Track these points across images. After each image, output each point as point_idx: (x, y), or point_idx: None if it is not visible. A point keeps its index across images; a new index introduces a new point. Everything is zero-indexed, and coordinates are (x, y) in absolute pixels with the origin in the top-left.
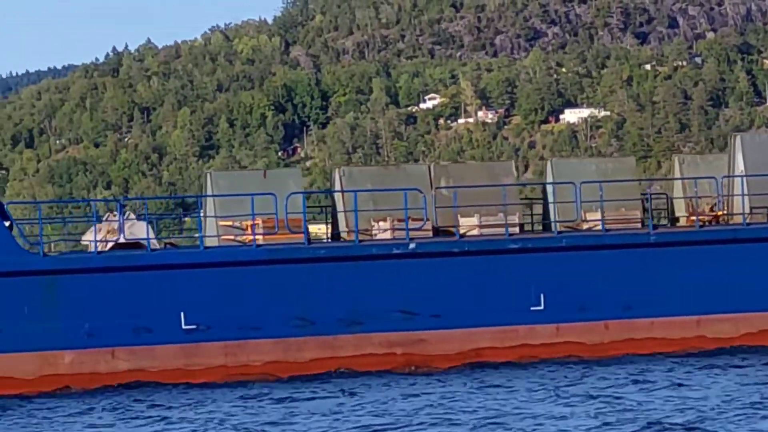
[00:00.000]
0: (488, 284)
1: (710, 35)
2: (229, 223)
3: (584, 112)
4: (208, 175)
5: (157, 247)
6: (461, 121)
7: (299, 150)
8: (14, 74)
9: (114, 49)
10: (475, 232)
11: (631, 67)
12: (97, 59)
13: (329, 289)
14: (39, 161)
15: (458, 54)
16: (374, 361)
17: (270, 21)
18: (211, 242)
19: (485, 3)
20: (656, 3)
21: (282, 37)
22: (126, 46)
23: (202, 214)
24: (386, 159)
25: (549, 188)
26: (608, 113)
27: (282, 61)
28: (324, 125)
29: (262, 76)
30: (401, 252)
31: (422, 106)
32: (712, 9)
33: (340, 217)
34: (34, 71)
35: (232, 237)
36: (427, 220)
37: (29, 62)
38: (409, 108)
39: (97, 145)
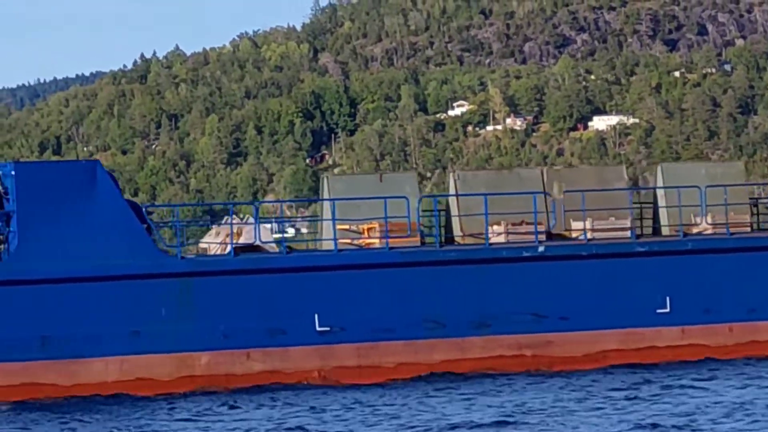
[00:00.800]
0: (615, 287)
1: (740, 42)
2: (346, 226)
3: (613, 120)
4: (325, 178)
5: (276, 250)
6: (489, 128)
7: (327, 157)
8: (42, 81)
9: (142, 55)
10: (588, 235)
11: (660, 74)
12: (125, 66)
13: (459, 291)
14: None
15: (487, 61)
16: (503, 363)
17: (298, 28)
18: (327, 245)
19: (514, 10)
20: (685, 10)
21: (310, 44)
22: (154, 53)
23: (322, 217)
24: (414, 166)
25: (659, 192)
26: (637, 120)
27: (310, 68)
28: (352, 132)
29: (291, 83)
30: (530, 255)
31: (451, 113)
32: (741, 16)
33: (454, 221)
34: (61, 78)
35: (348, 240)
36: (543, 223)
37: (57, 69)
38: (438, 115)
39: (124, 152)
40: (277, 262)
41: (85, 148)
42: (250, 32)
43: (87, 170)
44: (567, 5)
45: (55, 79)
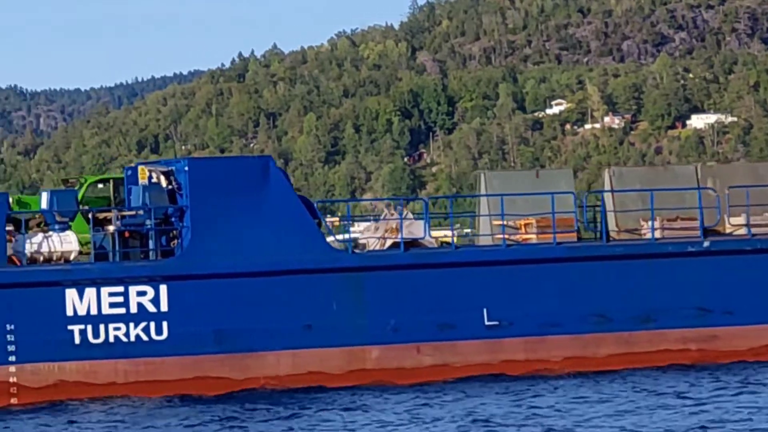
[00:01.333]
0: None
1: None
2: (501, 222)
3: (711, 118)
4: (482, 174)
5: (434, 245)
6: (587, 126)
7: (425, 156)
8: (140, 80)
9: (240, 54)
10: (742, 231)
11: (758, 73)
12: (223, 65)
13: (625, 285)
14: None
15: (585, 59)
16: (669, 357)
17: (396, 26)
18: (485, 240)
19: (612, 8)
20: None
21: (408, 43)
22: (252, 52)
23: (479, 213)
24: (512, 165)
25: None
26: (735, 119)
27: (408, 66)
28: (450, 131)
29: (388, 82)
30: (695, 250)
31: (548, 111)
32: None
33: (610, 216)
34: (159, 77)
35: (504, 236)
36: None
37: (155, 68)
38: (536, 113)
39: (222, 151)
40: (446, 257)
41: (183, 147)
42: (348, 31)
43: (260, 166)
44: (665, 3)
45: (153, 77)
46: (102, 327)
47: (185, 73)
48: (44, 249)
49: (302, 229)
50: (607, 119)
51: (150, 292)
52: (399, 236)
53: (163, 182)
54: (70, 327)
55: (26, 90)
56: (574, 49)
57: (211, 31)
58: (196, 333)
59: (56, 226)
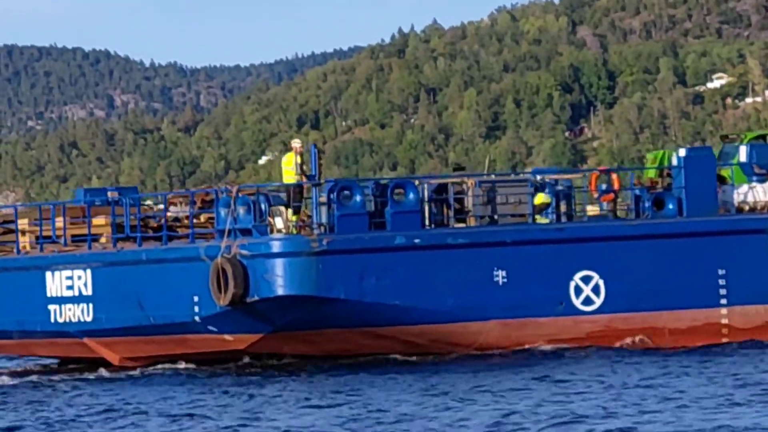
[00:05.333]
0: None
1: None
2: None
3: None
4: None
5: None
6: (749, 100)
7: (586, 130)
8: (300, 56)
9: (400, 30)
10: None
11: None
12: (382, 40)
13: None
14: (325, 143)
15: (746, 33)
16: None
17: (556, 1)
18: None
19: None
20: None
21: (568, 17)
22: (412, 27)
23: None
24: (673, 139)
25: None
26: None
27: (568, 41)
28: (611, 105)
29: (549, 57)
30: None
31: (709, 85)
32: None
33: None
34: (319, 53)
35: None
36: None
37: (315, 44)
38: (697, 87)
39: (383, 126)
40: None
41: (343, 123)
42: (508, 6)
43: None
44: None
45: (312, 53)
46: None
47: (345, 49)
48: (749, 199)
49: None
50: None
51: None
52: None
53: None
54: None
55: (186, 67)
56: (734, 22)
57: (371, 6)
58: None
59: (754, 178)
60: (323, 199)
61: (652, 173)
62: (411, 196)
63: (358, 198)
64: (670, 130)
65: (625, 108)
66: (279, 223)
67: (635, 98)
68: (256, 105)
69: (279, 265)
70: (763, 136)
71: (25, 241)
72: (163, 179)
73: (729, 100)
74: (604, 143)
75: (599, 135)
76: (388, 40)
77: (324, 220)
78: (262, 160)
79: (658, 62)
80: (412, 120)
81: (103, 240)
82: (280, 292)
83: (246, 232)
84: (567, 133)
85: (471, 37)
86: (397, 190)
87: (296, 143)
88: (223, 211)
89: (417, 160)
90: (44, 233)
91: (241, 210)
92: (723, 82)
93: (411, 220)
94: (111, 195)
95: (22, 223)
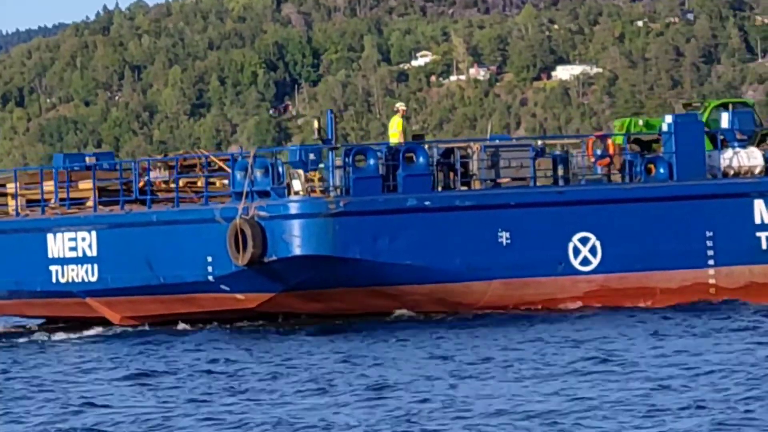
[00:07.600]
0: None
1: None
2: None
3: (576, 69)
4: None
5: None
6: (453, 78)
7: (290, 108)
8: (4, 33)
9: (105, 7)
10: None
11: (623, 24)
12: (87, 18)
13: None
14: (29, 120)
15: (450, 11)
16: None
17: None
18: None
19: None
20: None
21: None
22: (117, 5)
23: None
24: (378, 117)
25: None
26: (600, 70)
27: (273, 18)
28: (315, 83)
29: (254, 34)
30: None
31: (414, 63)
32: None
33: None
34: (24, 30)
35: None
36: None
37: (19, 21)
38: (401, 65)
39: (87, 104)
40: None
41: (48, 100)
42: None
43: None
44: None
45: (17, 30)
46: None
47: (50, 26)
48: (734, 164)
49: None
50: (472, 71)
51: None
52: None
53: None
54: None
55: None
56: (439, 0)
57: None
58: None
59: (735, 144)
60: (339, 162)
61: (619, 139)
62: (421, 160)
63: (372, 162)
64: (375, 108)
65: (329, 85)
66: (297, 185)
67: (340, 76)
68: None
69: (297, 225)
70: (725, 105)
71: (13, 204)
72: None
73: (434, 78)
74: (309, 120)
75: (303, 113)
76: (93, 17)
77: (339, 182)
78: None
79: (362, 40)
80: (117, 97)
81: (89, 204)
82: (298, 252)
83: (264, 194)
84: (272, 111)
85: (176, 14)
86: (407, 155)
87: (401, 106)
88: (239, 174)
89: (122, 138)
90: (40, 196)
91: (259, 173)
92: (427, 60)
93: (422, 183)
94: (89, 160)
95: (11, 187)
